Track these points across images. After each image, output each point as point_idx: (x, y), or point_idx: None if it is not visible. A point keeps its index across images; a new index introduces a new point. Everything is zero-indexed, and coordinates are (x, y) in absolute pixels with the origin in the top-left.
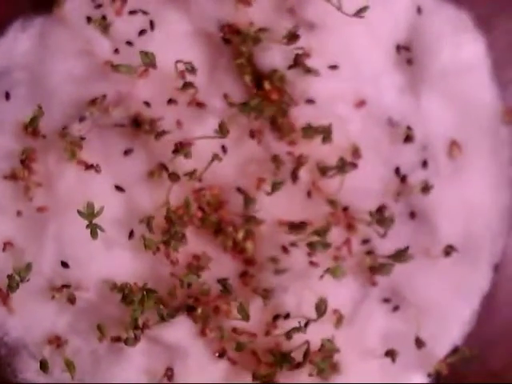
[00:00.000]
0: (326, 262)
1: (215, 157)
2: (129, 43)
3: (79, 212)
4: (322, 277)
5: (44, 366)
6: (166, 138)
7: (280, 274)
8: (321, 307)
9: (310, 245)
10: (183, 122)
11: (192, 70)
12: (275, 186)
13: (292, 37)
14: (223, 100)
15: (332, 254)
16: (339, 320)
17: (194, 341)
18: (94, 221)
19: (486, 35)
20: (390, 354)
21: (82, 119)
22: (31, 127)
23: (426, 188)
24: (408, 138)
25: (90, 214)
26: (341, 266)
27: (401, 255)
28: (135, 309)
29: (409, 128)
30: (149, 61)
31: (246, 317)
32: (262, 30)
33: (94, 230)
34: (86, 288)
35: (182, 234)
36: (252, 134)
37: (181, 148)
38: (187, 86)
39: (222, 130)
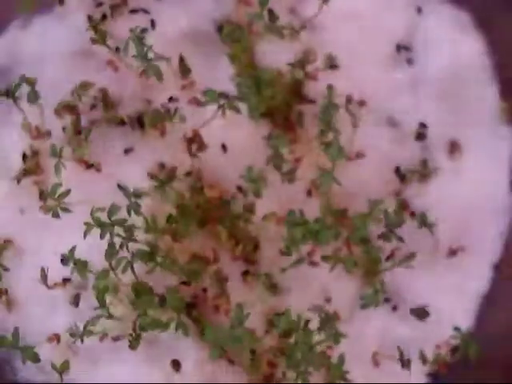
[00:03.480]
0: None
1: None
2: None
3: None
4: (332, 269)
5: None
6: (171, 134)
7: (280, 273)
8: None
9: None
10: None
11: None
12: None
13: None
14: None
15: (332, 254)
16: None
17: (193, 340)
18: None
19: (485, 35)
20: (389, 353)
21: (92, 107)
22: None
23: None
24: (420, 136)
25: (52, 193)
26: (352, 258)
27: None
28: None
29: (423, 125)
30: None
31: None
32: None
33: (55, 210)
34: (85, 286)
35: (182, 232)
36: (268, 136)
37: (194, 137)
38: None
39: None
